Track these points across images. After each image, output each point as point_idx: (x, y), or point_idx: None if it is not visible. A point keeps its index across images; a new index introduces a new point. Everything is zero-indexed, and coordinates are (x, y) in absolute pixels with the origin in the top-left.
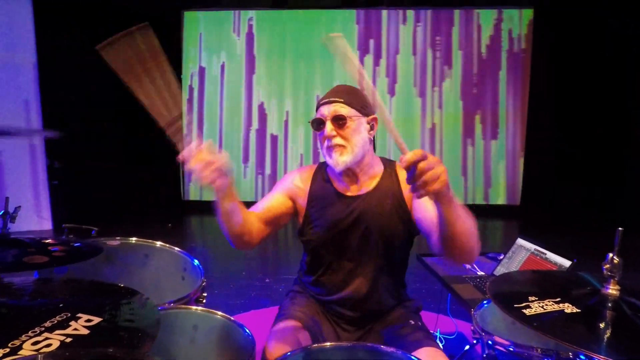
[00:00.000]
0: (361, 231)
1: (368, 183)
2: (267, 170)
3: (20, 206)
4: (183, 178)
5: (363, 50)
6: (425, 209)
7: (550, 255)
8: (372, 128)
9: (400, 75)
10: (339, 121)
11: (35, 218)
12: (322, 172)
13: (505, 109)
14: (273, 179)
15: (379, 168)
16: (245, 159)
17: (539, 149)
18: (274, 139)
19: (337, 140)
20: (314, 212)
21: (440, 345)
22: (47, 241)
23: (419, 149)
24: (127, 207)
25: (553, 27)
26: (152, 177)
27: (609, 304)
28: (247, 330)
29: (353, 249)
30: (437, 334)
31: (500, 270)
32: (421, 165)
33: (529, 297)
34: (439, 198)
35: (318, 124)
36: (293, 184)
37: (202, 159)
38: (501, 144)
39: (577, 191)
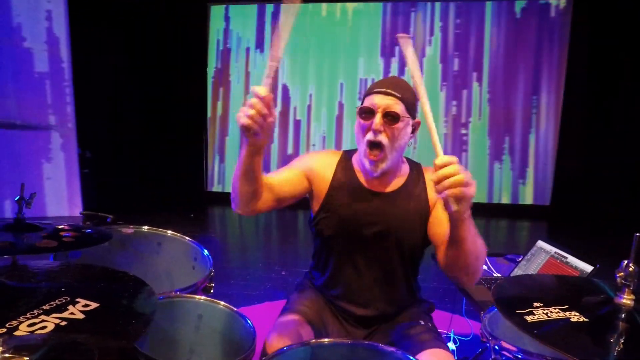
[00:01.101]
0: (379, 229)
1: (394, 182)
2: (290, 150)
3: (35, 193)
4: (207, 170)
5: (389, 46)
6: (440, 223)
7: (572, 260)
8: (413, 131)
9: (427, 74)
10: (391, 118)
11: (67, 205)
12: (346, 161)
13: (538, 106)
14: (296, 150)
15: (405, 168)
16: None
17: (573, 146)
18: (297, 122)
19: (382, 138)
20: (334, 201)
21: (454, 346)
22: (61, 227)
23: (455, 157)
24: (153, 197)
25: (592, 20)
26: (178, 168)
27: (622, 315)
28: (249, 322)
29: (367, 245)
30: (452, 335)
31: (517, 272)
32: (451, 169)
33: (534, 303)
34: (457, 211)
35: (367, 113)
36: (315, 166)
37: (260, 109)
38: (532, 141)
39: (612, 192)
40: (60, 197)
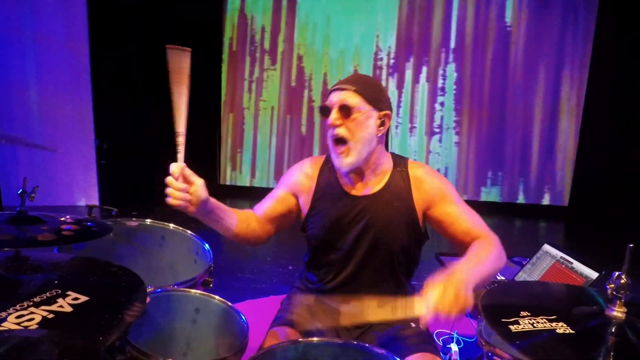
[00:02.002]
0: (364, 234)
1: (376, 182)
2: (303, 130)
3: (38, 186)
4: (219, 163)
5: (406, 44)
6: (451, 222)
7: (577, 265)
8: (382, 124)
9: (449, 74)
10: (346, 111)
11: (83, 195)
12: (328, 165)
13: (559, 103)
14: (310, 137)
15: (388, 165)
16: (283, 122)
17: (594, 146)
18: (310, 106)
19: (341, 131)
20: (318, 209)
21: (457, 347)
22: (63, 219)
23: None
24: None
25: (619, 16)
26: (191, 161)
27: (612, 328)
28: (243, 317)
29: (355, 251)
30: (455, 335)
31: (521, 276)
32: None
33: (521, 312)
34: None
35: (324, 111)
36: (297, 180)
37: (176, 185)
38: (551, 137)
39: (634, 194)
40: (79, 188)
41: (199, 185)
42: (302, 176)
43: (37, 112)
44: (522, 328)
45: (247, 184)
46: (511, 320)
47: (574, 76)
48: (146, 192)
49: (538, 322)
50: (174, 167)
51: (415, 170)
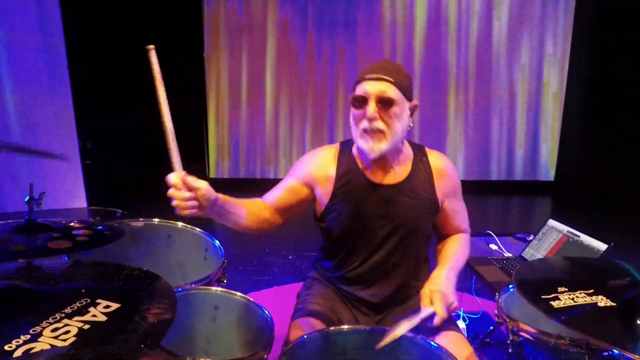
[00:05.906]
0: (388, 225)
1: (399, 171)
2: (307, 130)
3: (44, 192)
4: (208, 156)
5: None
6: (452, 216)
7: (585, 238)
8: (411, 114)
9: (430, 39)
10: (385, 103)
11: (69, 197)
12: (347, 154)
13: (541, 78)
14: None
15: (409, 153)
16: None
17: (578, 117)
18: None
19: (379, 124)
20: (341, 198)
21: (464, 324)
22: (72, 224)
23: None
24: (156, 186)
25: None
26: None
27: None
28: (267, 312)
29: (378, 240)
30: (461, 313)
31: (529, 252)
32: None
33: (559, 288)
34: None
35: (360, 102)
36: (312, 171)
37: (181, 195)
38: (536, 116)
39: (620, 166)
40: (66, 190)
41: (205, 189)
42: (317, 167)
43: (15, 115)
44: (564, 303)
45: (239, 176)
46: (551, 296)
47: (557, 54)
48: (134, 190)
49: (578, 297)
50: (174, 178)
51: (436, 161)
